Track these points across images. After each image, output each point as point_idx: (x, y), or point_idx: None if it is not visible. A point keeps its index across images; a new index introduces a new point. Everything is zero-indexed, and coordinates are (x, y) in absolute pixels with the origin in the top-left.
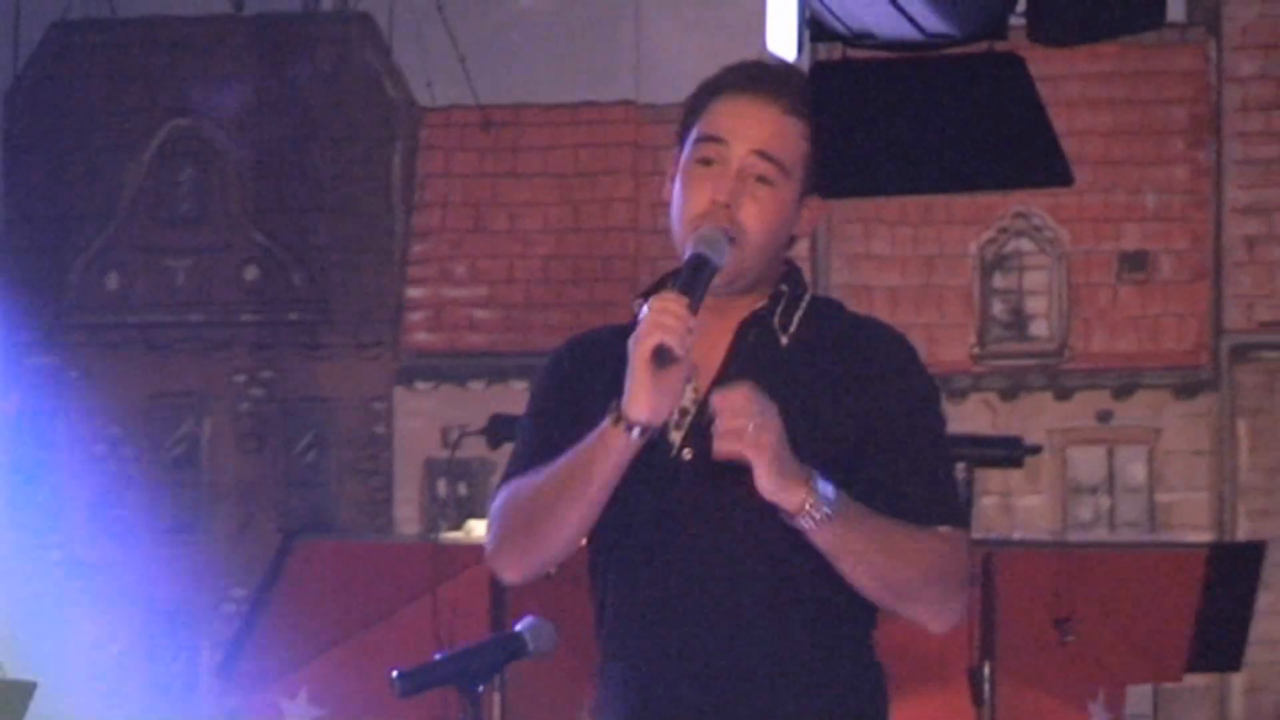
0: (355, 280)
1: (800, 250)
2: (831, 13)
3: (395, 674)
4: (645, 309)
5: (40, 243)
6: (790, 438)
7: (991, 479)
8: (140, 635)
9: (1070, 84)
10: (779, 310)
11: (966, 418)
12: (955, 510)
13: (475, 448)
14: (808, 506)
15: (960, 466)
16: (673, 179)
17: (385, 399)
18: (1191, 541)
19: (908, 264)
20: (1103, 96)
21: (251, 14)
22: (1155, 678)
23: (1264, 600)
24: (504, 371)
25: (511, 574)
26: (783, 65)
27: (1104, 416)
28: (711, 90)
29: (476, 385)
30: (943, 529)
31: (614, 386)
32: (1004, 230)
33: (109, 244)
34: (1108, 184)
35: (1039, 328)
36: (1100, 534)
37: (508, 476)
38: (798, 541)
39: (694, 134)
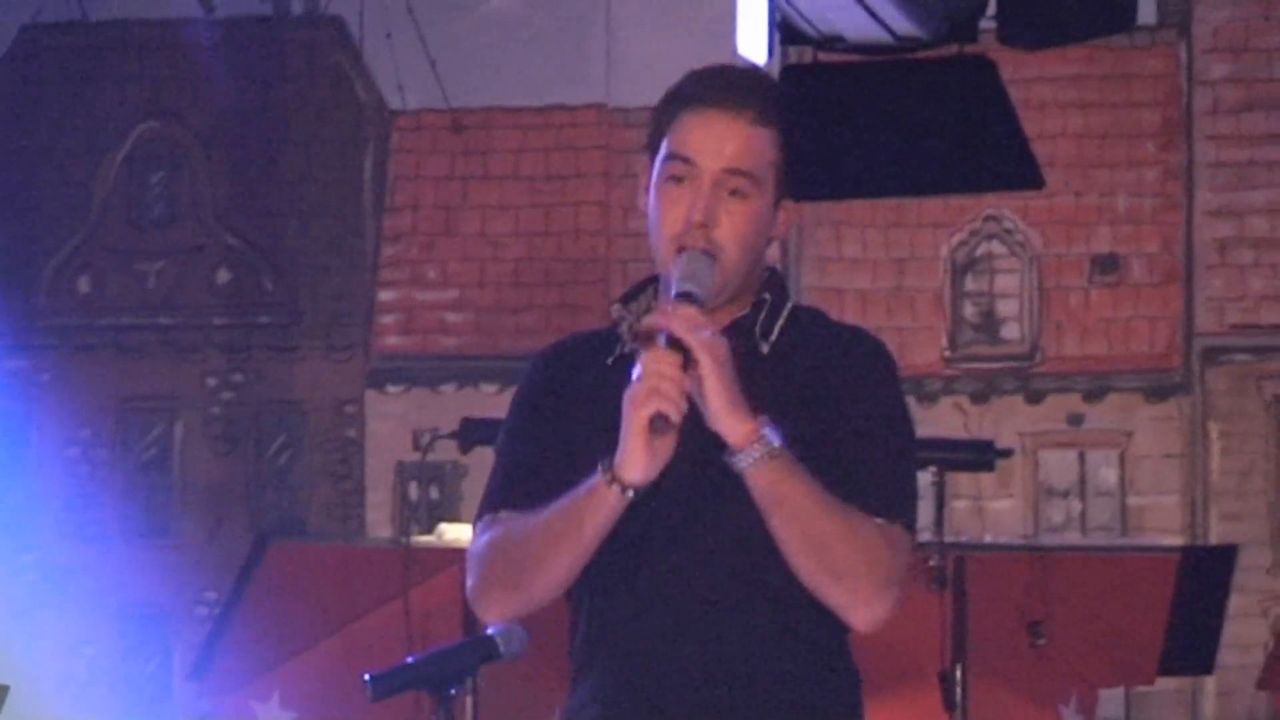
0: (326, 283)
1: (770, 254)
2: (802, 16)
3: (367, 677)
4: (638, 365)
5: (10, 245)
6: None
7: (963, 482)
8: (113, 638)
9: (1041, 87)
10: (760, 318)
11: (938, 421)
12: (902, 509)
13: (447, 451)
14: (753, 441)
15: (931, 469)
16: (646, 188)
17: (356, 402)
18: (1163, 545)
19: (878, 267)
20: (1073, 99)
21: (222, 17)
22: (1127, 681)
23: (1236, 604)
24: (475, 374)
25: (494, 618)
26: (748, 71)
27: (1075, 420)
28: (677, 102)
29: (448, 388)
30: (881, 520)
31: (592, 397)
32: (975, 233)
33: (80, 247)
34: (1079, 187)
35: (1010, 331)
36: (1072, 537)
37: (489, 504)
38: (774, 547)
39: (663, 150)
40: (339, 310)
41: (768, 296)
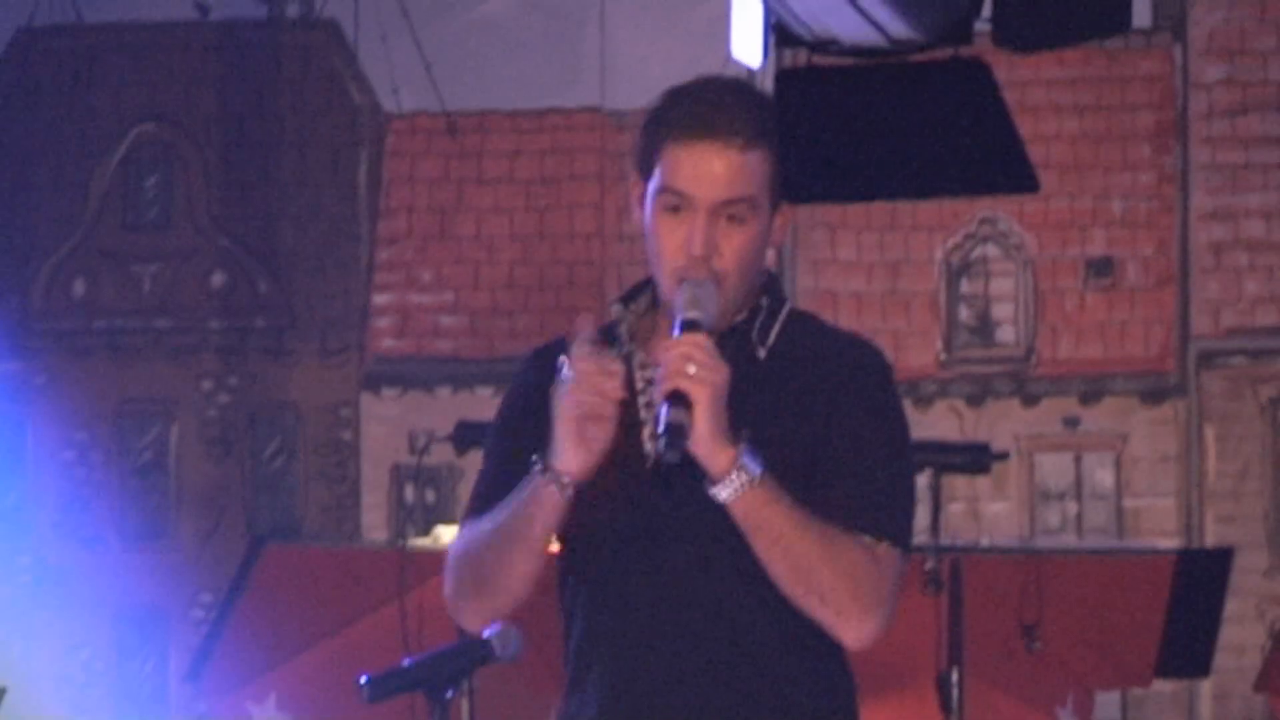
0: (321, 286)
1: (766, 257)
2: (796, 19)
3: (363, 679)
4: (566, 368)
5: (6, 248)
6: (763, 450)
7: (958, 485)
8: (109, 640)
9: (1036, 90)
10: (757, 324)
11: (933, 424)
12: (892, 527)
13: (443, 454)
14: (732, 472)
15: (927, 473)
16: (639, 202)
17: (352, 405)
18: (1159, 547)
19: (873, 270)
20: (1068, 102)
21: (217, 20)
22: (1123, 683)
23: (1232, 606)
24: (470, 377)
25: (471, 624)
26: (732, 88)
27: (1071, 422)
28: (665, 131)
29: (443, 391)
30: (867, 538)
31: None
32: (970, 236)
33: (75, 250)
34: (1074, 190)
35: (1006, 334)
36: (1068, 540)
37: (469, 509)
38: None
39: (656, 181)
40: (334, 313)
41: (765, 301)
